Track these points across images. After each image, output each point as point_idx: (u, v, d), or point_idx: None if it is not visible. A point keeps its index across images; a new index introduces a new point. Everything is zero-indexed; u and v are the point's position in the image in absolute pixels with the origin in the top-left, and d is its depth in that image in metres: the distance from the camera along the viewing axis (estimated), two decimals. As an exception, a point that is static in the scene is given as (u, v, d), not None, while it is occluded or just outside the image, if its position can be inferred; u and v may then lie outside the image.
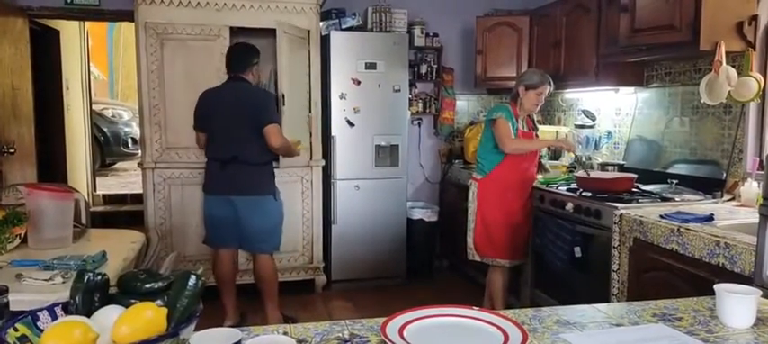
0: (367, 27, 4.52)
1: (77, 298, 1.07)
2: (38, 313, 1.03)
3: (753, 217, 2.14)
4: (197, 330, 1.06)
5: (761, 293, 1.34)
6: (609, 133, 3.99)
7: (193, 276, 1.06)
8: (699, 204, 2.85)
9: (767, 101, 2.89)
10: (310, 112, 4.18)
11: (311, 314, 3.92)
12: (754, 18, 2.80)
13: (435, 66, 4.89)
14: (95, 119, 7.84)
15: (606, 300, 2.80)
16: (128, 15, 4.07)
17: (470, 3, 4.88)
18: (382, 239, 4.52)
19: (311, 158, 4.23)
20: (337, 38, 4.32)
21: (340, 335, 1.23)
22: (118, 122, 9.38)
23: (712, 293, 1.37)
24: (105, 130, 9.07)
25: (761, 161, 2.80)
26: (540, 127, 3.88)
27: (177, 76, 3.94)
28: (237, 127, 3.28)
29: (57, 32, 5.77)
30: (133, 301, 1.06)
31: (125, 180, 8.84)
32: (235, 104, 3.30)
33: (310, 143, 4.21)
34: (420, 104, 4.92)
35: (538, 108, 3.44)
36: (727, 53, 2.77)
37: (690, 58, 3.24)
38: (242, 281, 3.99)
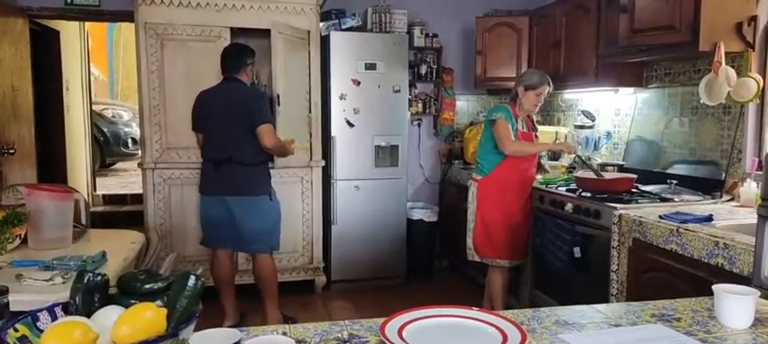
0: (367, 27, 4.52)
1: (77, 298, 1.07)
2: (38, 314, 1.03)
3: (752, 217, 2.14)
4: (197, 330, 1.06)
5: (759, 293, 1.35)
6: (608, 134, 3.99)
7: (193, 277, 1.06)
8: (698, 205, 2.86)
9: (766, 101, 2.89)
10: (310, 112, 4.19)
11: (311, 314, 3.92)
12: (754, 19, 2.80)
13: (435, 66, 4.90)
14: (95, 119, 7.84)
15: (605, 300, 2.81)
16: (128, 16, 4.08)
17: (470, 3, 4.88)
18: (382, 240, 4.53)
19: (311, 159, 4.23)
20: (337, 38, 4.32)
21: (339, 335, 1.24)
22: (118, 123, 9.38)
23: (711, 293, 1.37)
24: (105, 130, 9.08)
25: (760, 162, 2.81)
26: (540, 127, 3.88)
27: (177, 77, 3.94)
28: (231, 127, 3.28)
29: (57, 33, 5.78)
30: (133, 301, 1.06)
31: (125, 180, 8.85)
32: (229, 104, 3.31)
33: (310, 143, 4.22)
34: (420, 105, 4.92)
35: (537, 108, 3.44)
36: (726, 54, 2.77)
37: (689, 59, 3.25)
38: (242, 281, 4.00)
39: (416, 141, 5.04)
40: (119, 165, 9.84)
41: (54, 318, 1.04)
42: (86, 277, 1.09)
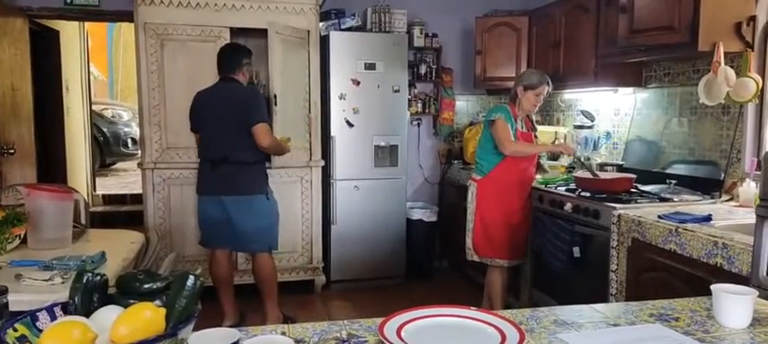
0: (366, 27, 4.53)
1: (76, 298, 1.07)
2: (37, 314, 1.03)
3: (751, 217, 2.14)
4: (196, 330, 1.06)
5: (757, 293, 1.35)
6: (608, 134, 4.00)
7: (192, 277, 1.06)
8: (697, 205, 2.86)
9: (765, 101, 2.90)
10: (310, 112, 4.19)
11: (310, 314, 3.92)
12: (753, 19, 2.80)
13: (434, 66, 4.90)
14: (95, 119, 7.84)
15: (605, 300, 2.81)
16: (127, 16, 4.08)
17: (470, 3, 4.89)
18: (382, 240, 4.53)
19: (310, 159, 4.24)
20: (337, 38, 4.32)
21: (338, 335, 1.24)
22: (118, 123, 9.38)
23: (710, 293, 1.37)
24: (105, 130, 9.08)
25: (759, 162, 2.81)
26: (540, 127, 3.89)
27: (177, 77, 3.95)
28: (227, 127, 3.29)
29: (56, 33, 5.78)
30: (132, 301, 1.06)
31: (125, 180, 8.84)
32: (225, 104, 3.32)
33: (310, 143, 4.22)
34: (419, 105, 4.92)
35: (536, 108, 3.45)
36: (725, 54, 2.77)
37: (688, 59, 3.25)
38: (241, 281, 4.00)
39: (416, 141, 5.04)
40: (118, 165, 9.84)
41: (53, 318, 1.04)
42: (85, 277, 1.09)
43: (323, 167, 4.34)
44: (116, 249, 2.42)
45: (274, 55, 3.69)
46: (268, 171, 3.59)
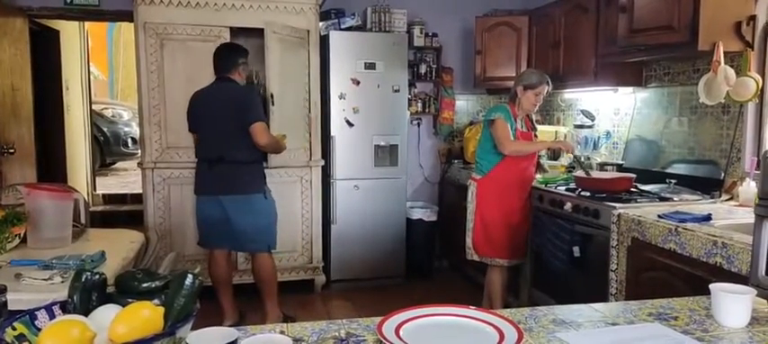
0: (366, 27, 4.53)
1: (75, 297, 1.07)
2: (35, 312, 1.03)
3: (750, 217, 2.14)
4: (196, 329, 1.06)
5: (756, 292, 1.35)
6: (608, 133, 3.99)
7: (190, 276, 1.06)
8: (697, 204, 2.86)
9: (765, 101, 2.90)
10: (310, 112, 4.19)
11: (310, 314, 3.93)
12: (753, 18, 2.80)
13: (434, 66, 4.90)
14: (95, 119, 7.84)
15: (604, 299, 2.81)
16: (127, 15, 4.08)
17: (470, 3, 4.89)
18: (382, 239, 4.53)
19: (310, 158, 4.24)
20: (336, 38, 4.32)
21: (337, 334, 1.24)
22: (118, 122, 9.39)
23: (710, 292, 1.37)
24: (105, 130, 9.08)
25: (759, 161, 2.80)
26: (539, 127, 3.89)
27: (177, 77, 3.95)
28: (224, 127, 3.29)
29: (56, 33, 5.78)
30: (130, 300, 1.06)
31: (125, 180, 8.85)
32: (221, 104, 3.33)
33: (310, 143, 4.22)
34: (419, 104, 4.92)
35: (536, 108, 3.45)
36: (725, 53, 2.77)
37: (688, 59, 3.25)
38: (241, 281, 4.00)
39: (416, 141, 5.04)
40: (119, 164, 9.85)
41: (52, 316, 1.04)
42: (84, 276, 1.09)
43: (323, 167, 4.34)
44: (116, 249, 2.42)
45: (271, 54, 3.70)
46: (267, 171, 3.59)
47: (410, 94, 4.78)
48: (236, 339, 1.04)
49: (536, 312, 1.39)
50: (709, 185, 3.07)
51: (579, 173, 3.35)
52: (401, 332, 1.21)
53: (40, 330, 0.99)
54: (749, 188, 2.79)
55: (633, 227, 2.65)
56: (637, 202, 2.92)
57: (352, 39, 4.37)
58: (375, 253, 4.52)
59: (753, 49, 2.82)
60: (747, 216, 2.46)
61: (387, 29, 4.51)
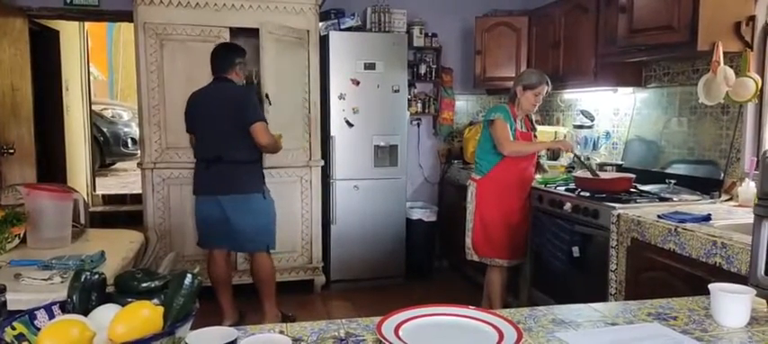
0: (366, 27, 4.53)
1: (74, 297, 1.07)
2: (35, 312, 1.03)
3: (750, 217, 2.13)
4: (195, 328, 1.06)
5: (755, 292, 1.35)
6: (607, 133, 4.00)
7: (189, 275, 1.06)
8: (696, 204, 2.86)
9: (765, 101, 2.90)
10: (309, 112, 4.19)
11: (310, 314, 3.92)
12: (752, 18, 2.81)
13: (434, 66, 4.90)
14: (95, 119, 7.85)
15: (604, 300, 2.81)
16: (127, 16, 4.08)
17: (469, 3, 4.89)
18: (381, 240, 4.53)
19: (310, 158, 4.24)
20: (336, 38, 4.32)
21: (336, 334, 1.24)
22: (118, 123, 9.39)
23: (709, 292, 1.37)
24: (105, 130, 9.08)
25: (758, 161, 2.80)
26: (539, 127, 3.89)
27: (177, 77, 3.95)
28: (221, 126, 3.30)
29: (56, 33, 5.78)
30: (130, 299, 1.06)
31: (124, 180, 8.85)
32: (219, 104, 3.33)
33: (309, 143, 4.22)
34: (419, 105, 4.92)
35: (536, 108, 3.45)
36: (724, 53, 2.77)
37: (688, 59, 3.25)
38: (241, 281, 4.00)
39: (416, 141, 5.04)
40: (118, 165, 9.84)
41: (51, 316, 1.04)
42: (84, 276, 1.09)
43: (322, 167, 4.34)
44: (115, 249, 2.42)
45: (266, 54, 3.72)
46: (267, 171, 3.59)
47: (410, 94, 4.79)
48: (235, 339, 1.04)
49: (535, 312, 1.39)
50: (709, 186, 3.07)
51: (585, 174, 3.34)
52: (400, 332, 1.21)
53: (39, 329, 0.99)
54: (748, 188, 2.79)
55: (633, 227, 2.65)
56: (636, 202, 2.92)
57: (352, 39, 4.37)
58: (375, 253, 4.52)
59: (752, 50, 2.82)
60: (747, 216, 2.46)
61: (386, 29, 4.51)
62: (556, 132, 4.25)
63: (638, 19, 3.06)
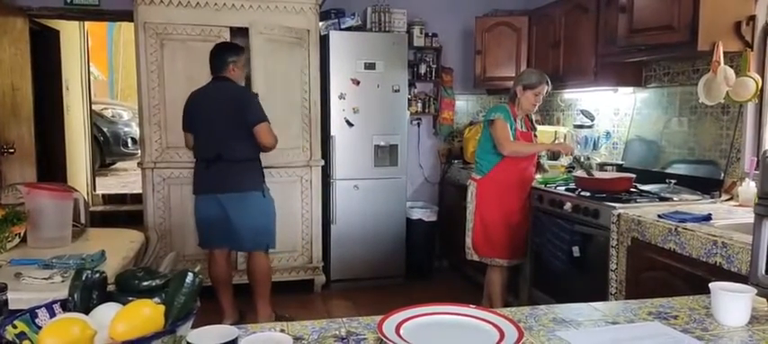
0: (366, 27, 4.53)
1: (76, 295, 1.07)
2: (36, 310, 1.03)
3: (750, 217, 2.13)
4: (196, 327, 1.06)
5: (755, 291, 1.35)
6: (607, 133, 4.00)
7: (190, 274, 1.06)
8: (697, 204, 2.86)
9: (765, 101, 2.90)
10: (309, 112, 4.20)
11: (310, 314, 3.92)
12: (752, 18, 2.81)
13: (434, 66, 4.90)
14: (95, 119, 7.84)
15: (604, 299, 2.80)
16: (127, 15, 4.08)
17: (470, 3, 4.89)
18: (381, 239, 4.53)
19: (310, 158, 4.24)
20: (336, 38, 4.32)
21: (337, 332, 1.24)
22: (118, 122, 9.38)
23: (709, 291, 1.37)
24: (105, 130, 9.07)
25: (758, 161, 2.80)
26: (539, 127, 3.89)
27: (177, 77, 3.95)
28: (220, 125, 3.30)
29: (56, 32, 5.78)
30: (131, 298, 1.07)
31: (125, 180, 8.85)
32: (216, 103, 3.33)
33: (310, 143, 4.23)
34: (419, 104, 4.92)
35: (536, 108, 3.45)
36: (725, 53, 2.77)
37: (688, 59, 3.25)
38: (241, 281, 4.00)
39: (416, 141, 5.04)
40: (118, 164, 9.84)
41: (52, 315, 1.04)
42: (85, 274, 1.09)
43: (323, 167, 4.34)
44: (116, 248, 2.42)
45: (255, 53, 3.73)
46: (267, 170, 3.59)
47: (410, 94, 4.79)
48: (236, 338, 1.04)
49: (536, 311, 1.39)
50: (709, 186, 3.07)
51: (581, 173, 3.35)
52: (402, 331, 1.21)
53: (40, 327, 0.99)
54: (749, 188, 2.79)
55: (633, 227, 2.65)
56: (636, 202, 2.92)
57: (352, 39, 4.37)
58: (375, 253, 4.52)
59: (752, 50, 2.82)
60: (747, 216, 2.46)
61: (387, 29, 4.51)
62: (556, 132, 4.25)
63: (639, 19, 3.06)
